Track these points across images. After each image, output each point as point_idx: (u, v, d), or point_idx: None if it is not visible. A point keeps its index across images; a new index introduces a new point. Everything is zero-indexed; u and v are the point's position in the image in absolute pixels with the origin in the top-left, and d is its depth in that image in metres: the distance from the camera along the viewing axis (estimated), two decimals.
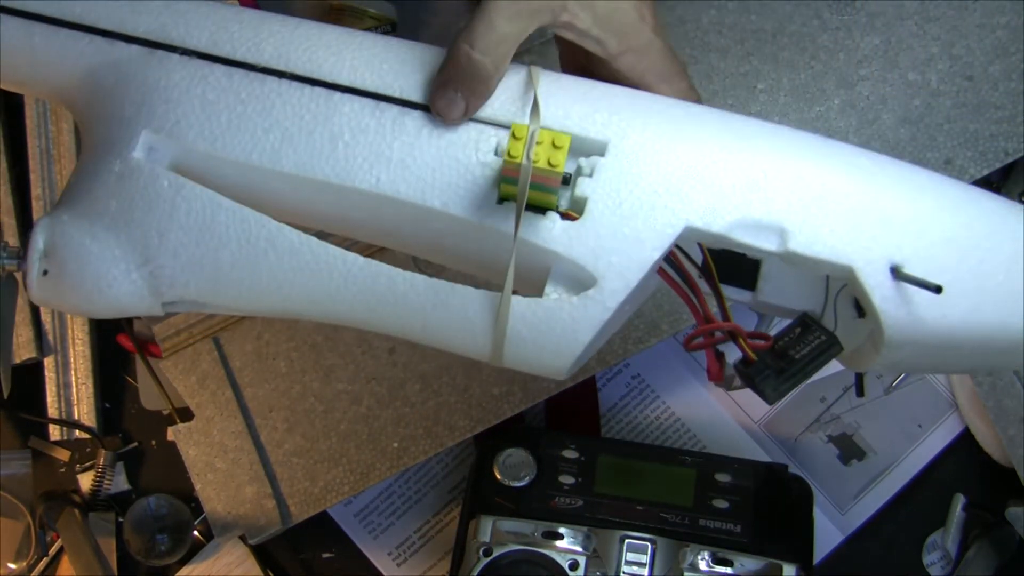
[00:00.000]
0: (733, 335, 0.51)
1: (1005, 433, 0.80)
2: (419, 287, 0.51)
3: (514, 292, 0.51)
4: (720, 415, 0.87)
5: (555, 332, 0.50)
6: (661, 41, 0.55)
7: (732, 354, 0.52)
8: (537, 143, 0.48)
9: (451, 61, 0.51)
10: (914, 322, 0.48)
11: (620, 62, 0.55)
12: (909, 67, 0.78)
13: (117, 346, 0.87)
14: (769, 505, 0.75)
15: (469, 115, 0.52)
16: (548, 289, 0.50)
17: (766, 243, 0.50)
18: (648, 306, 0.78)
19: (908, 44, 0.78)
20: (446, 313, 0.51)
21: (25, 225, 0.86)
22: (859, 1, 0.79)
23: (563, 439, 0.78)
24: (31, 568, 0.85)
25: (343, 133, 0.52)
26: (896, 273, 0.48)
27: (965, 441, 0.85)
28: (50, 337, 0.85)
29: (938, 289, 0.47)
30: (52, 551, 0.85)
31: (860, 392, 0.82)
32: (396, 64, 0.53)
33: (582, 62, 0.57)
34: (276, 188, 0.53)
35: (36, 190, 0.86)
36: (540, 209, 0.50)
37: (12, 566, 0.85)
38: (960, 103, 0.77)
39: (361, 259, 0.51)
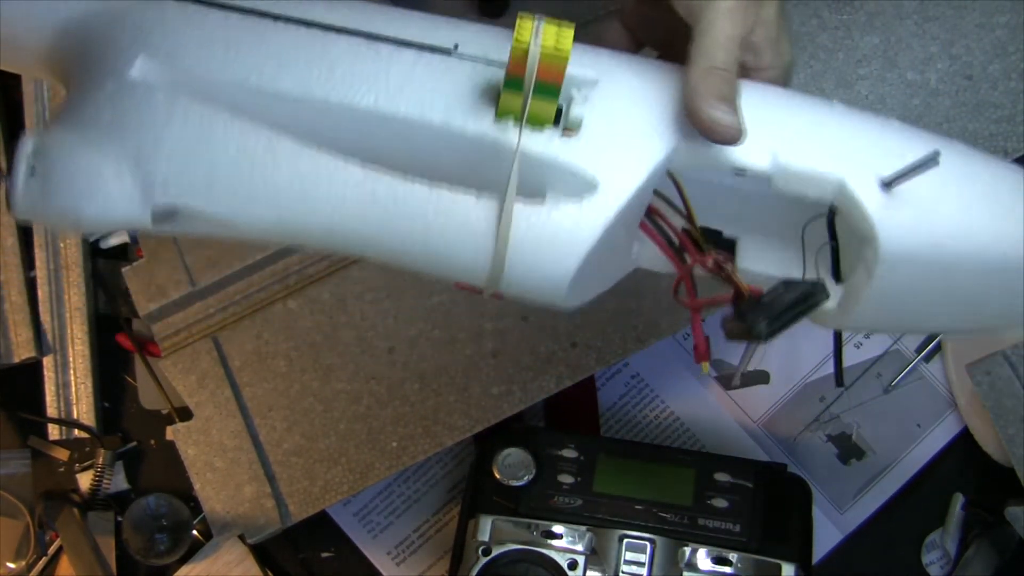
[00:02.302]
0: (719, 265, 0.52)
1: (1004, 432, 0.80)
2: (419, 194, 0.51)
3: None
4: (719, 414, 0.87)
5: (557, 238, 0.50)
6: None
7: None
8: (544, 28, 0.48)
9: (701, 82, 0.51)
10: (908, 231, 0.49)
11: (766, 74, 0.56)
12: (908, 66, 0.78)
13: (116, 345, 0.87)
14: (768, 504, 0.75)
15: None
16: (549, 196, 0.51)
17: (758, 160, 0.51)
18: (647, 305, 0.78)
19: (907, 43, 0.78)
20: (447, 221, 0.51)
21: (25, 224, 0.86)
22: (858, 0, 0.79)
23: (562, 438, 0.78)
24: (30, 567, 0.85)
25: (340, 62, 0.52)
26: (887, 186, 0.49)
27: (964, 440, 0.85)
28: (49, 337, 0.85)
29: (935, 157, 0.48)
30: (51, 550, 0.85)
31: (840, 381, 0.81)
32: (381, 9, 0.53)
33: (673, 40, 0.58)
34: (271, 111, 0.52)
35: None
36: (538, 125, 0.51)
37: (11, 565, 0.85)
38: (959, 103, 0.77)
39: (360, 169, 0.51)
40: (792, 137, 0.51)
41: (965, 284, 0.52)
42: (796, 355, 0.87)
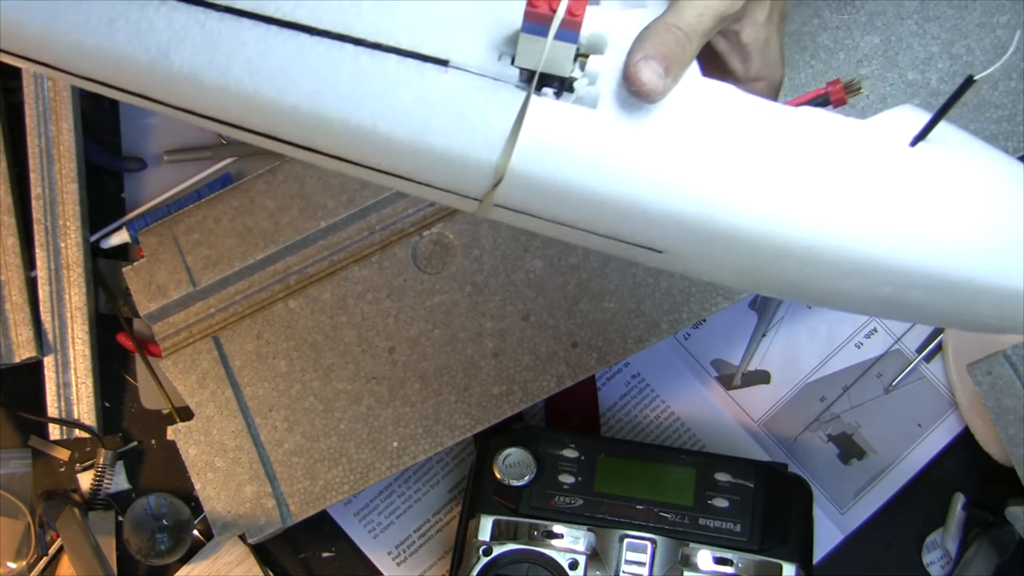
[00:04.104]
0: None
1: (1005, 432, 0.80)
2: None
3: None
4: (720, 414, 0.87)
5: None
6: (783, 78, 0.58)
7: None
8: None
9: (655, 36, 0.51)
10: None
11: (753, 86, 0.57)
12: (909, 66, 0.78)
13: (117, 345, 0.87)
14: (769, 504, 0.75)
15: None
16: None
17: None
18: (648, 305, 0.78)
19: (908, 43, 0.78)
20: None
21: (25, 224, 0.86)
22: (859, 0, 0.79)
23: (563, 438, 0.78)
24: (31, 567, 0.85)
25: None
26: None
27: (965, 440, 0.85)
28: (50, 336, 0.85)
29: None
30: (52, 550, 0.85)
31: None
32: None
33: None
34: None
35: (36, 190, 0.86)
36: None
37: (12, 565, 0.85)
38: (960, 102, 0.77)
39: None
40: None
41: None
42: (797, 355, 0.87)
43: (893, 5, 0.79)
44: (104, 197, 0.89)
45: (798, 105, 0.55)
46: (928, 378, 0.86)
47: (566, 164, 0.50)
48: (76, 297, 0.85)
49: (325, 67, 0.50)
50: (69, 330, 0.85)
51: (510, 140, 0.49)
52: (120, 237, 0.88)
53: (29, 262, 0.86)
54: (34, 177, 0.86)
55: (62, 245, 0.86)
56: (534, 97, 0.49)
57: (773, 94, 0.58)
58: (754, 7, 0.54)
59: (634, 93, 0.50)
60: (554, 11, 0.47)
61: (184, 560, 0.85)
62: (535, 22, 0.47)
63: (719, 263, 0.54)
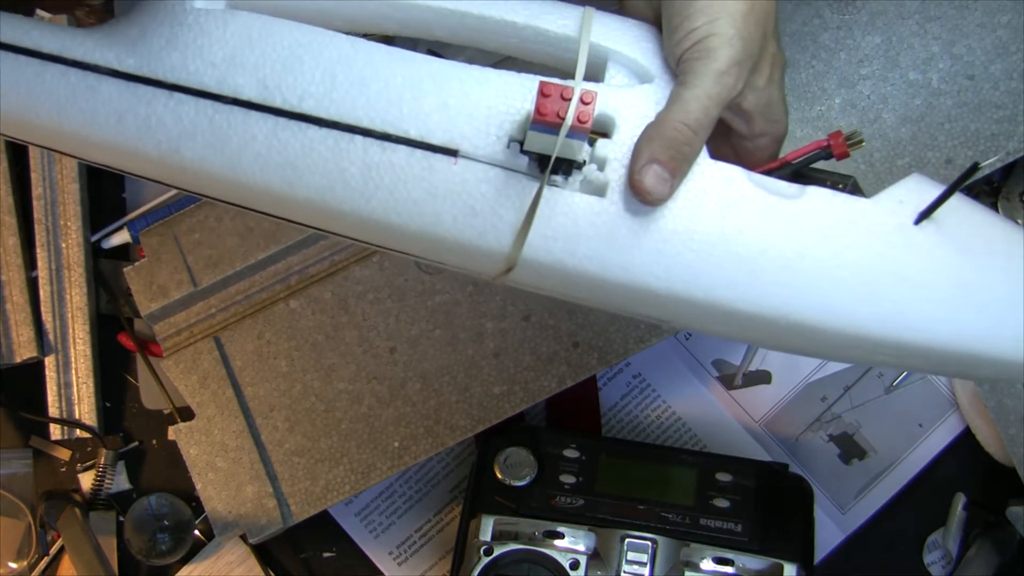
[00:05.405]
0: None
1: (1006, 432, 0.80)
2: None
3: None
4: (721, 414, 0.87)
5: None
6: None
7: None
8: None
9: (664, 137, 0.51)
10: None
11: (757, 142, 0.56)
12: (910, 66, 0.78)
13: (118, 345, 0.87)
14: (770, 504, 0.75)
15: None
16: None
17: None
18: None
19: (909, 43, 0.78)
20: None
21: (26, 224, 0.86)
22: (860, 0, 0.79)
23: (564, 438, 0.78)
24: (32, 567, 0.85)
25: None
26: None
27: (966, 440, 0.85)
28: (51, 336, 0.85)
29: None
30: (53, 550, 0.85)
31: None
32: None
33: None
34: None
35: (36, 190, 0.86)
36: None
37: (13, 565, 0.85)
38: (961, 102, 0.77)
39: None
40: None
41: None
42: (798, 355, 0.87)
43: (894, 5, 0.79)
44: (105, 197, 0.89)
45: (799, 157, 0.56)
46: (929, 378, 0.86)
47: (575, 254, 0.51)
48: (77, 297, 0.85)
49: (334, 161, 0.51)
50: (70, 330, 0.85)
51: (521, 231, 0.50)
52: (121, 237, 0.88)
53: (30, 262, 0.86)
54: (35, 177, 0.86)
55: (63, 245, 0.86)
56: (544, 190, 0.50)
57: (776, 146, 0.58)
58: (753, 75, 0.54)
59: (640, 201, 0.51)
60: (562, 119, 0.47)
61: (185, 560, 0.85)
62: (544, 126, 0.48)
63: (722, 333, 0.56)
